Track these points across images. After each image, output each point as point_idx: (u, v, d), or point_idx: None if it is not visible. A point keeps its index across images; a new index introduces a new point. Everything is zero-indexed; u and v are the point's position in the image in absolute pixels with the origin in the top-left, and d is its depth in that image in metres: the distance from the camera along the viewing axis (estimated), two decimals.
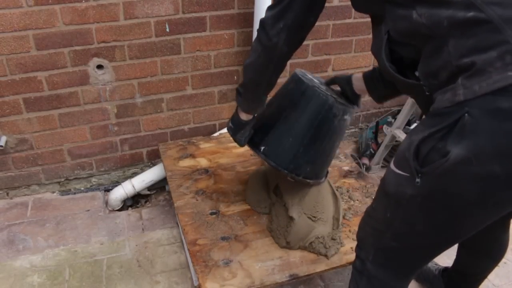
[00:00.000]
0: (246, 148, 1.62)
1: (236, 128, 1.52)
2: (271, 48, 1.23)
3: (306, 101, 1.45)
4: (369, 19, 1.21)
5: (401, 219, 1.08)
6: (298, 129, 1.46)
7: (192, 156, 2.08)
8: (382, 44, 1.08)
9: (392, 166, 1.08)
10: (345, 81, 1.48)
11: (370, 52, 2.08)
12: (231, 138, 2.18)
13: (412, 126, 2.43)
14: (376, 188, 1.91)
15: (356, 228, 1.69)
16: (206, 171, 1.99)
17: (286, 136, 1.47)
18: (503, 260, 1.98)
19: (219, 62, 2.22)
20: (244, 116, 1.49)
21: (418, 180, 0.96)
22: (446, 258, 1.91)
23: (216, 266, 1.52)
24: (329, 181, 1.82)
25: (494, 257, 1.53)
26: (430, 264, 1.84)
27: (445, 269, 1.77)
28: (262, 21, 1.23)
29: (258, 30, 1.25)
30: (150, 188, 2.32)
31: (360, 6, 1.18)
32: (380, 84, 1.35)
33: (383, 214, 1.13)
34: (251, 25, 2.11)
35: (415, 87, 1.05)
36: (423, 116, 1.12)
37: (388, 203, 1.11)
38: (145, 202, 2.34)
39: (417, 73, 1.06)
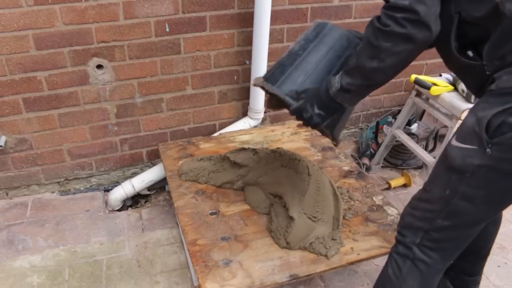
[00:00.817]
0: None
1: (327, 114, 1.32)
2: (430, 39, 1.10)
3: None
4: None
5: (461, 194, 1.16)
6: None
7: (192, 156, 2.07)
8: (452, 23, 1.12)
9: (455, 143, 1.16)
10: None
11: None
12: (231, 138, 2.21)
13: (413, 126, 2.43)
14: (376, 188, 1.92)
15: (357, 228, 1.70)
16: None
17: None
18: (504, 260, 1.98)
19: (219, 62, 2.22)
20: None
21: (488, 150, 1.07)
22: None
23: (216, 266, 1.51)
24: (331, 181, 1.82)
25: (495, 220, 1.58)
26: None
27: (448, 267, 1.76)
28: (422, 15, 1.04)
29: (408, 29, 1.06)
30: (150, 188, 2.32)
31: None
32: None
33: (440, 193, 1.20)
34: (251, 25, 2.11)
35: (475, 67, 1.14)
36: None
37: (448, 180, 1.18)
38: (145, 202, 2.34)
39: (470, 53, 1.15)
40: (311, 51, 1.37)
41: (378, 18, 1.11)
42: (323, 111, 1.29)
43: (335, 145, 1.55)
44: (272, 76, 1.40)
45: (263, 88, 1.43)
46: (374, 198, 1.87)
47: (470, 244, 1.59)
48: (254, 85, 1.46)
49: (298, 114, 1.34)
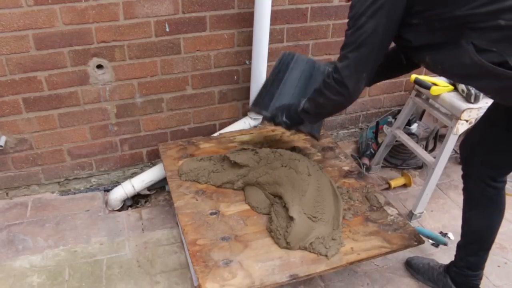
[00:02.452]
0: None
1: (292, 123, 1.75)
2: (349, 99, 1.42)
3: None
4: None
5: None
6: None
7: (192, 156, 2.07)
8: (467, 53, 1.19)
9: None
10: None
11: None
12: (231, 138, 2.21)
13: (413, 126, 2.43)
14: (376, 188, 1.91)
15: (357, 228, 1.70)
16: None
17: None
18: (504, 260, 1.98)
19: (219, 62, 2.22)
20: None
21: None
22: (447, 259, 1.91)
23: (216, 266, 1.51)
24: (331, 181, 1.82)
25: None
26: (432, 263, 1.84)
27: (450, 265, 1.76)
28: (341, 81, 1.36)
29: (337, 89, 1.39)
30: (150, 188, 2.32)
31: (430, 37, 1.27)
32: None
33: None
34: (251, 25, 2.11)
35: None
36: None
37: None
38: (145, 202, 2.34)
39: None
40: (288, 77, 1.85)
41: (329, 71, 1.41)
42: (288, 120, 1.73)
43: (316, 140, 2.06)
44: (264, 103, 1.87)
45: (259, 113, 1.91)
46: (374, 198, 1.86)
47: (476, 234, 1.64)
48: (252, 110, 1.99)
49: (271, 120, 1.81)
